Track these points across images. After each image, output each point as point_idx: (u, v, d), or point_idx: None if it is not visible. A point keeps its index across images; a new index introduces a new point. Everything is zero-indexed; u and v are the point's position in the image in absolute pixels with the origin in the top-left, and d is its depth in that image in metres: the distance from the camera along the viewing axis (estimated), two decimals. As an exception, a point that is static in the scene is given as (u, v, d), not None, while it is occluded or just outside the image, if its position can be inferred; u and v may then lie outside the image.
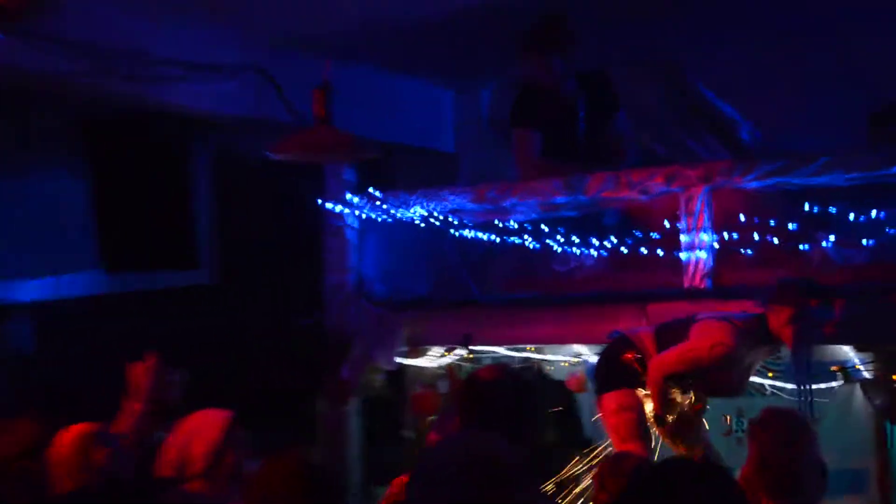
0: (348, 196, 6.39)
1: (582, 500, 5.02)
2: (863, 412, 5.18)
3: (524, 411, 2.66)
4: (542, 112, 6.00)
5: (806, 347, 4.15)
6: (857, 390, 5.12)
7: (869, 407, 5.05)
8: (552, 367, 6.17)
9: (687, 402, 4.36)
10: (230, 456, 3.16)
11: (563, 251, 5.85)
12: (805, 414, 3.63)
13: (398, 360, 6.21)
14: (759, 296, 4.32)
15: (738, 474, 3.14)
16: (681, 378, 4.30)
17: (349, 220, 6.42)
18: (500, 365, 4.54)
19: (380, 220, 6.31)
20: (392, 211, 6.20)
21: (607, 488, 3.43)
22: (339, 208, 6.35)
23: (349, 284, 6.41)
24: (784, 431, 2.92)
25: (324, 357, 6.28)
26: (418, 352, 6.29)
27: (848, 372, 4.72)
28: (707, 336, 4.25)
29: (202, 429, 3.20)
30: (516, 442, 2.31)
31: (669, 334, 4.45)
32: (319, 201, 6.34)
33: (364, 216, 6.38)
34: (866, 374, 4.90)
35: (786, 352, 4.47)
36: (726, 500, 1.59)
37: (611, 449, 4.60)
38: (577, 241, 5.76)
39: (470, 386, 2.90)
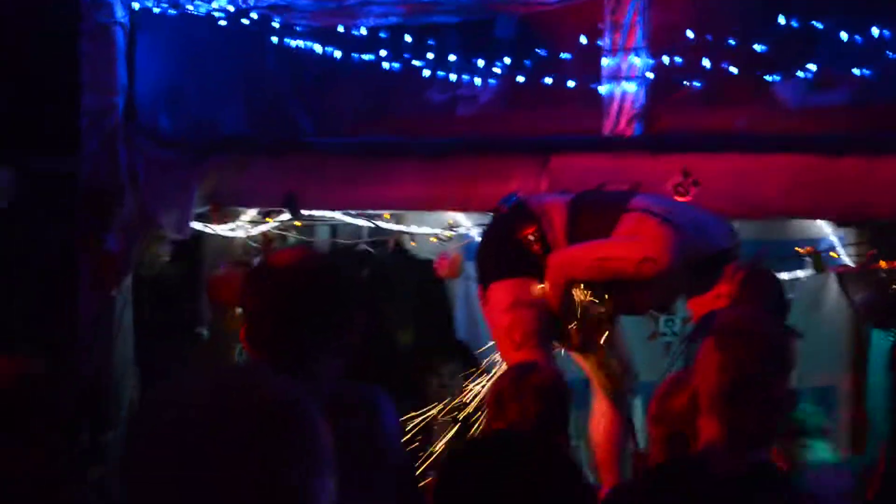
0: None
1: (458, 428, 4.78)
2: (835, 313, 5.12)
3: (335, 318, 2.38)
4: None
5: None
6: (832, 282, 5.01)
7: (845, 306, 4.92)
8: (415, 243, 6.05)
9: (596, 308, 4.19)
10: None
11: (436, 76, 5.57)
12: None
13: (192, 225, 5.90)
14: (731, 253, 4.04)
15: (660, 389, 3.15)
16: (590, 284, 4.07)
17: (118, 14, 5.84)
18: (303, 249, 4.27)
19: (164, 13, 5.83)
20: (183, 1, 5.74)
21: (507, 415, 3.44)
22: (100, -6, 5.83)
23: (116, 112, 5.91)
24: (766, 345, 2.72)
25: (78, 219, 5.89)
26: (223, 215, 6.01)
27: (821, 259, 4.50)
28: (641, 242, 4.09)
29: None
30: (322, 362, 2.27)
31: (589, 216, 4.26)
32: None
33: (139, 6, 5.86)
34: (846, 261, 4.67)
35: None
36: (553, 480, 1.83)
37: (498, 359, 4.44)
38: (455, 60, 5.47)
39: (256, 278, 2.53)
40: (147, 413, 1.52)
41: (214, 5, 5.67)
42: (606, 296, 4.13)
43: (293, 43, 5.73)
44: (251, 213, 6.01)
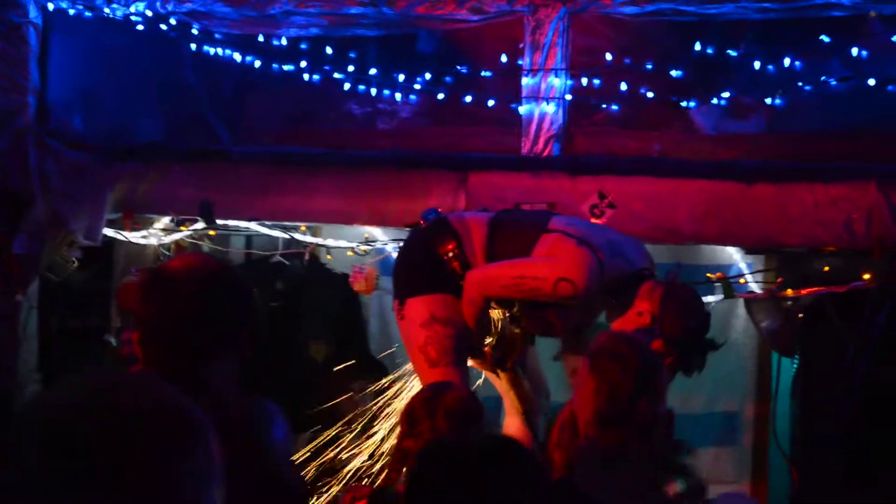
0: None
1: (368, 447, 4.69)
2: (741, 339, 5.15)
3: (228, 326, 2.35)
4: None
5: None
6: (739, 308, 5.02)
7: (752, 331, 4.94)
8: (331, 256, 5.95)
9: (511, 327, 4.17)
10: None
11: (356, 89, 5.52)
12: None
13: (104, 231, 5.74)
14: (647, 272, 4.03)
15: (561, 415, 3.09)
16: (506, 303, 4.02)
17: (31, 14, 5.70)
18: (199, 255, 4.18)
19: (80, 15, 5.69)
20: (99, 3, 5.62)
21: (418, 433, 3.40)
22: (14, -7, 5.69)
23: (27, 113, 5.74)
24: (639, 368, 2.79)
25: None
26: (136, 222, 5.88)
27: (730, 285, 4.50)
28: (557, 263, 4.05)
29: None
30: (215, 370, 2.25)
31: (508, 235, 4.22)
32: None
33: (53, 7, 5.71)
34: (754, 288, 4.69)
35: None
36: (525, 488, 1.83)
37: (412, 377, 4.43)
38: (375, 74, 5.44)
39: (150, 284, 2.47)
40: (24, 425, 1.41)
41: (132, 9, 5.56)
42: (522, 315, 4.09)
43: (212, 51, 5.63)
44: (164, 220, 5.88)
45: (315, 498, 4.44)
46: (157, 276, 2.45)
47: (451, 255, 4.13)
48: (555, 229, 4.07)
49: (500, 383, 4.30)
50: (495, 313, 4.14)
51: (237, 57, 5.59)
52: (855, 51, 4.63)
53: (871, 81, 4.54)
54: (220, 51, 5.62)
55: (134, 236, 5.88)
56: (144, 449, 1.31)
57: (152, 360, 2.29)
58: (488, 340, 4.16)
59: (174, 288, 2.34)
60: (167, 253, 5.90)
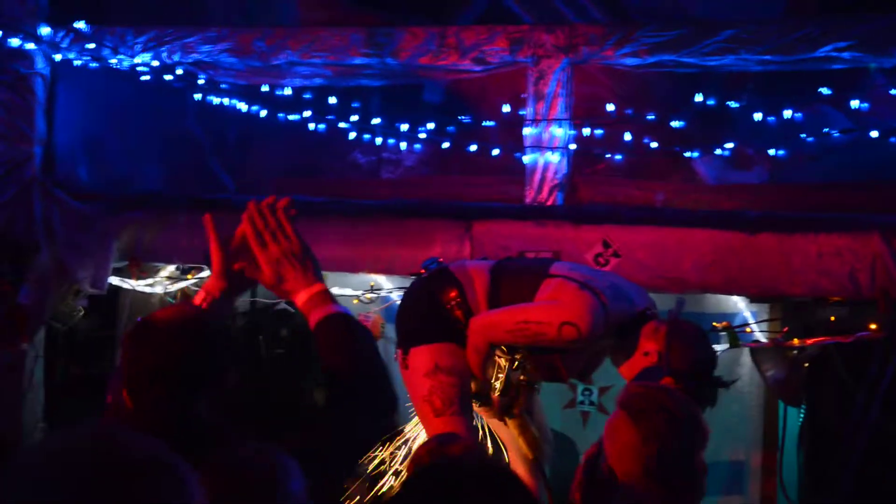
0: (40, 30, 5.67)
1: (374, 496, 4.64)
2: (747, 388, 5.14)
3: (205, 376, 2.43)
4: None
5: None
6: (745, 357, 5.01)
7: (758, 380, 4.90)
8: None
9: (517, 374, 4.12)
10: None
11: (361, 138, 5.55)
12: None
13: (110, 280, 5.71)
14: (649, 312, 4.02)
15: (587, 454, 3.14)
16: (511, 349, 4.00)
17: (38, 65, 5.69)
18: (181, 307, 4.17)
19: (86, 66, 5.67)
20: (106, 55, 5.59)
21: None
22: (20, 44, 5.62)
23: (33, 163, 5.73)
24: (686, 419, 2.76)
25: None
26: (142, 270, 5.83)
27: (735, 334, 4.48)
28: (561, 307, 4.00)
29: None
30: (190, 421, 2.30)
31: (510, 282, 4.17)
32: (-7, 31, 5.71)
33: (61, 58, 5.69)
34: (759, 338, 4.67)
35: None
36: None
37: (417, 428, 4.32)
38: (379, 123, 5.45)
39: (135, 335, 2.52)
40: (13, 474, 1.41)
41: (138, 60, 5.56)
42: (527, 362, 4.06)
43: (217, 100, 5.64)
44: (170, 269, 5.85)
45: None
46: (137, 326, 2.51)
47: (453, 303, 4.10)
48: (557, 274, 4.06)
49: (507, 432, 4.25)
50: (500, 360, 4.12)
51: (242, 106, 5.60)
52: (856, 103, 4.64)
53: (874, 133, 4.54)
54: (225, 100, 5.64)
55: (140, 284, 5.84)
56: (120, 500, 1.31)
57: (142, 408, 2.33)
58: (495, 388, 4.16)
59: (149, 337, 2.41)
60: (172, 301, 5.86)
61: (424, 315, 4.17)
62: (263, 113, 5.54)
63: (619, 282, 4.12)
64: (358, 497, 4.68)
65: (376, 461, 4.77)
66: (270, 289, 2.72)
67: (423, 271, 4.33)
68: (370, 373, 2.56)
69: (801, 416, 4.63)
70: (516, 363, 4.07)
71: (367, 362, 2.57)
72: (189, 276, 5.81)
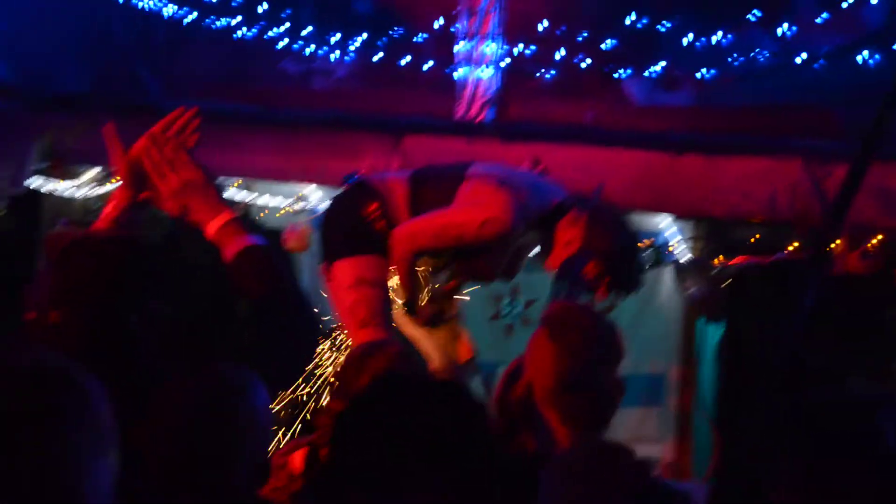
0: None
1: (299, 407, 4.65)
2: (668, 304, 5.23)
3: (140, 288, 2.31)
4: None
5: (576, 275, 3.98)
6: (666, 276, 5.07)
7: (678, 297, 4.99)
8: (265, 212, 5.81)
9: (440, 281, 4.11)
10: None
11: (290, 47, 5.48)
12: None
13: (29, 181, 5.60)
14: (578, 201, 4.03)
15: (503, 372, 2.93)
16: (435, 253, 3.99)
17: None
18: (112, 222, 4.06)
19: None
20: None
21: (350, 394, 3.23)
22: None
23: None
24: (600, 336, 2.62)
25: None
26: (64, 171, 5.71)
27: (659, 252, 4.54)
28: (480, 206, 3.99)
29: None
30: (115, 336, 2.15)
31: (429, 189, 4.14)
32: None
33: None
34: (683, 254, 4.74)
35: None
36: (463, 424, 1.74)
37: (343, 337, 4.40)
38: (310, 32, 5.38)
39: (67, 250, 2.37)
40: None
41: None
42: (453, 266, 4.07)
43: (143, 3, 5.48)
44: (95, 170, 5.70)
45: None
46: (71, 243, 2.33)
47: (375, 215, 4.10)
48: (473, 175, 4.08)
49: (432, 341, 4.26)
50: (426, 267, 4.13)
51: (170, 8, 5.47)
52: (784, 27, 4.67)
53: (800, 58, 4.59)
54: (151, 3, 5.48)
55: (62, 186, 5.69)
56: (23, 420, 1.28)
57: (67, 321, 2.22)
58: (421, 296, 4.16)
59: (83, 250, 2.30)
60: (98, 204, 5.71)
61: (346, 228, 4.14)
62: (193, 16, 5.43)
63: (536, 179, 4.14)
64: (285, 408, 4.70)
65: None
66: (180, 221, 2.63)
67: (344, 185, 4.31)
68: (295, 301, 2.52)
69: (720, 331, 4.73)
70: (442, 269, 4.11)
71: (291, 290, 2.53)
72: (114, 180, 5.66)
